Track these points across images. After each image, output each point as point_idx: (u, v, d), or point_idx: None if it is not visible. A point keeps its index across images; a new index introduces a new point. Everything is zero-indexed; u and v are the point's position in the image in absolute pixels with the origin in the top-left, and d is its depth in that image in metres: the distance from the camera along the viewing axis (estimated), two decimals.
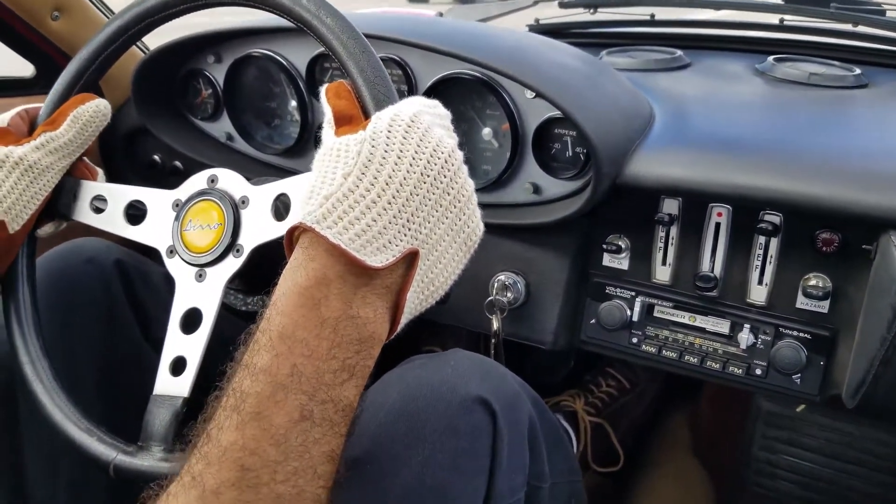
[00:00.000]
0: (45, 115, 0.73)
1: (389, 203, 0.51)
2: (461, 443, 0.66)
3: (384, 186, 0.51)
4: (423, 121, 0.54)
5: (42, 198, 0.71)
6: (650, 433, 1.49)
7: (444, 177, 0.54)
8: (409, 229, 0.52)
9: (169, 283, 0.86)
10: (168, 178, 1.20)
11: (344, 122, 0.56)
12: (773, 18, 1.23)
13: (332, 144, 0.54)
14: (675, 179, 0.84)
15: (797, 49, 1.23)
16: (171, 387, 0.64)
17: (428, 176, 0.53)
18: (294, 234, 0.53)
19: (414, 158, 0.52)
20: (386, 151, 0.52)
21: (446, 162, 0.53)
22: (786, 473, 1.28)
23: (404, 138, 0.53)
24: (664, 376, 1.46)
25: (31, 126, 0.72)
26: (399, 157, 0.52)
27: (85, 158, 0.75)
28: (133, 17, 0.73)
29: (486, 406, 0.69)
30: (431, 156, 0.53)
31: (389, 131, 0.53)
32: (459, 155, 0.55)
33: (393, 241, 0.52)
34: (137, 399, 0.65)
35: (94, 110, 0.72)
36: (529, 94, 0.89)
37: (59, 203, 0.73)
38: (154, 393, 0.65)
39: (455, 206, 0.55)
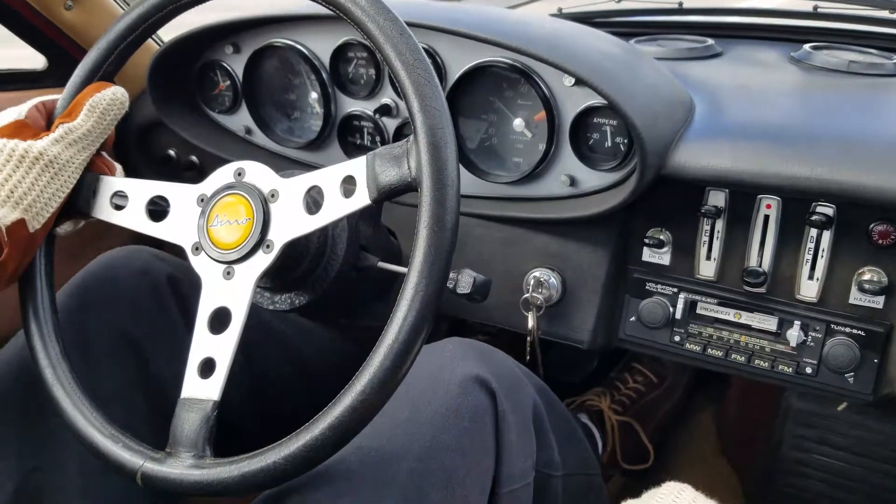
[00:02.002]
0: (63, 107, 0.70)
1: None
2: (463, 423, 0.65)
3: None
4: None
5: (64, 194, 0.68)
6: (678, 431, 1.46)
7: None
8: None
9: None
10: (183, 173, 1.16)
11: None
12: (807, 5, 1.19)
13: None
14: (723, 170, 0.80)
15: (831, 37, 1.20)
16: (199, 390, 0.62)
17: None
18: None
19: None
20: None
21: None
22: (816, 473, 1.25)
23: None
24: (693, 369, 1.42)
25: (48, 119, 0.70)
26: None
27: (103, 153, 0.72)
28: (154, 4, 0.70)
29: (485, 386, 0.68)
30: None
31: None
32: None
33: None
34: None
35: (111, 98, 0.69)
36: (568, 82, 0.85)
37: (78, 200, 0.70)
38: (182, 396, 0.62)
39: None
